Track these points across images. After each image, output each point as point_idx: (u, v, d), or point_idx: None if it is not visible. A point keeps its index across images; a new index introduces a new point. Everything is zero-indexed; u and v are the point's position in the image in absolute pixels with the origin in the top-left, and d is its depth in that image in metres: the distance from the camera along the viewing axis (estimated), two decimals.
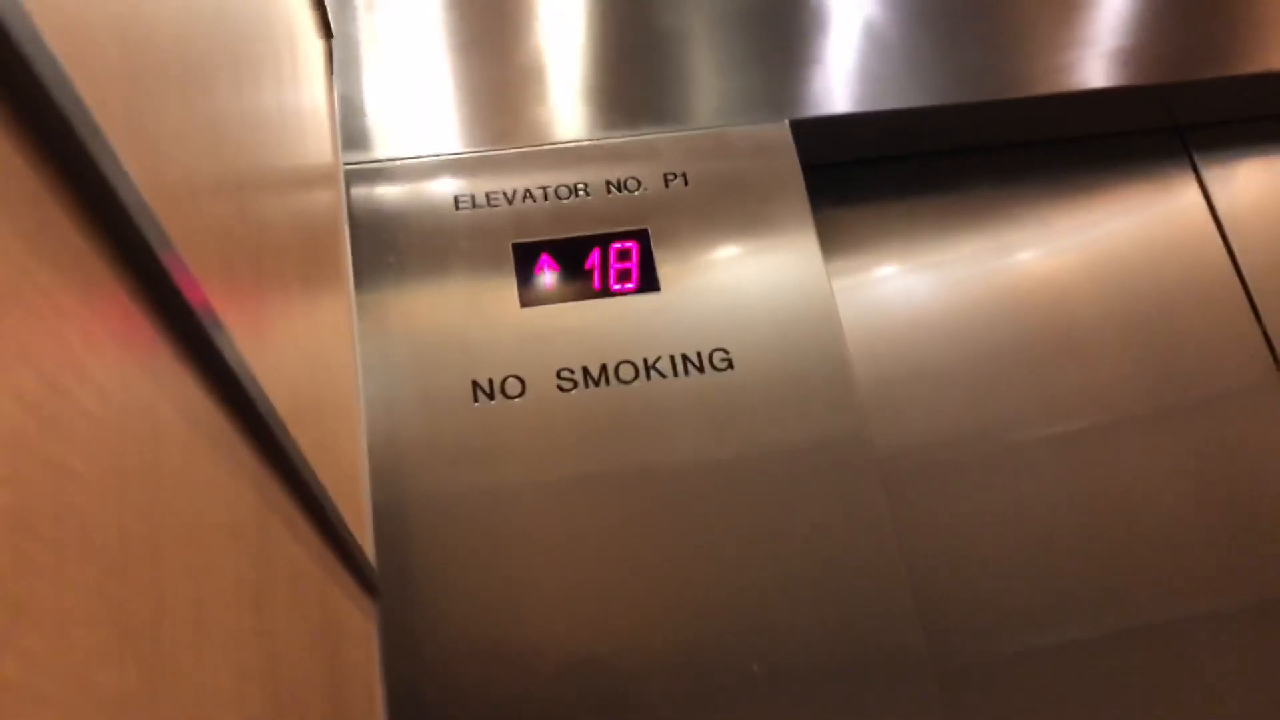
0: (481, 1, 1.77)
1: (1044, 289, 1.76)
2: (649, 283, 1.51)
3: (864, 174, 1.84)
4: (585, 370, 1.44)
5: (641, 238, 1.54)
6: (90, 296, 0.41)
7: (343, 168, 1.53)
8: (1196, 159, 1.89)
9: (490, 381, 1.43)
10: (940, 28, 1.82)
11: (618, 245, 1.54)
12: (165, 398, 0.49)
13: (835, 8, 1.83)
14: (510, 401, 1.42)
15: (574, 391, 1.43)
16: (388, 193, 1.56)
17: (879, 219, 1.81)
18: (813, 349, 1.48)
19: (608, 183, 1.59)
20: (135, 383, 0.45)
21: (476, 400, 1.41)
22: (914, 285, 1.77)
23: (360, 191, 1.55)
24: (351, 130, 1.60)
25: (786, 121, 1.67)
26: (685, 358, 1.46)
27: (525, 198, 1.57)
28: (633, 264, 1.53)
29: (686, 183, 1.60)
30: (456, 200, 1.56)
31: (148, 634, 0.43)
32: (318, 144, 1.28)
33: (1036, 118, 1.83)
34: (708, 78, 1.77)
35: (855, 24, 1.82)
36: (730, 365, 1.46)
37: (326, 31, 1.46)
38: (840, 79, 1.77)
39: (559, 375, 1.44)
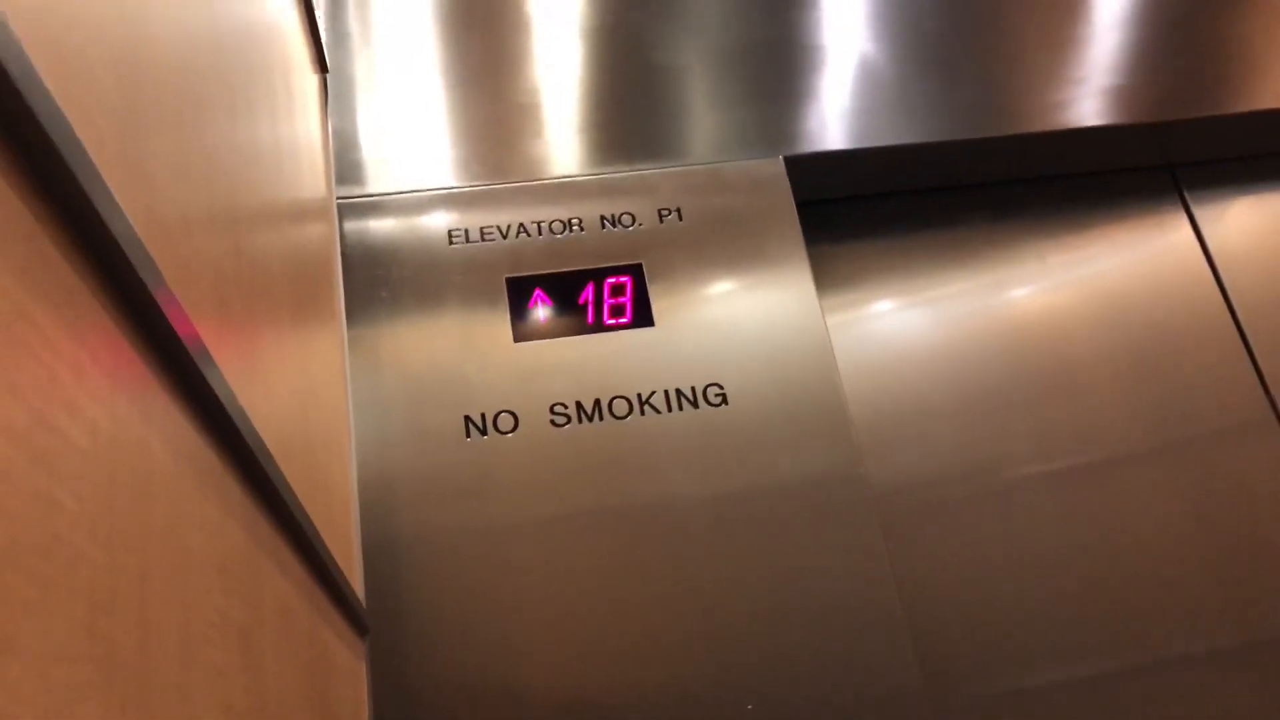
0: (477, 37, 1.78)
1: (1039, 326, 1.77)
2: (643, 318, 1.51)
3: (859, 210, 1.85)
4: (579, 405, 1.44)
5: (636, 272, 1.55)
6: (82, 331, 0.41)
7: (336, 202, 1.54)
8: (1188, 197, 1.90)
9: (483, 417, 1.42)
10: (934, 65, 1.83)
11: (612, 280, 1.54)
12: (155, 433, 0.49)
13: (830, 45, 1.85)
14: (503, 437, 1.41)
15: (567, 427, 1.42)
16: (381, 227, 1.57)
17: (874, 255, 1.81)
18: (807, 385, 1.48)
19: (602, 217, 1.60)
20: (126, 417, 0.45)
21: (469, 436, 1.41)
22: (909, 321, 1.77)
23: (353, 225, 1.56)
24: (345, 164, 1.61)
25: (781, 158, 1.68)
26: (679, 393, 1.45)
27: (519, 232, 1.57)
28: (627, 299, 1.53)
29: (681, 218, 1.61)
30: (450, 234, 1.57)
31: (133, 670, 0.42)
32: (311, 178, 1.28)
33: (1030, 155, 1.84)
34: (703, 114, 1.78)
35: (850, 61, 1.84)
36: (725, 401, 1.45)
37: (322, 66, 1.47)
38: (835, 116, 1.78)
39: (552, 411, 1.43)
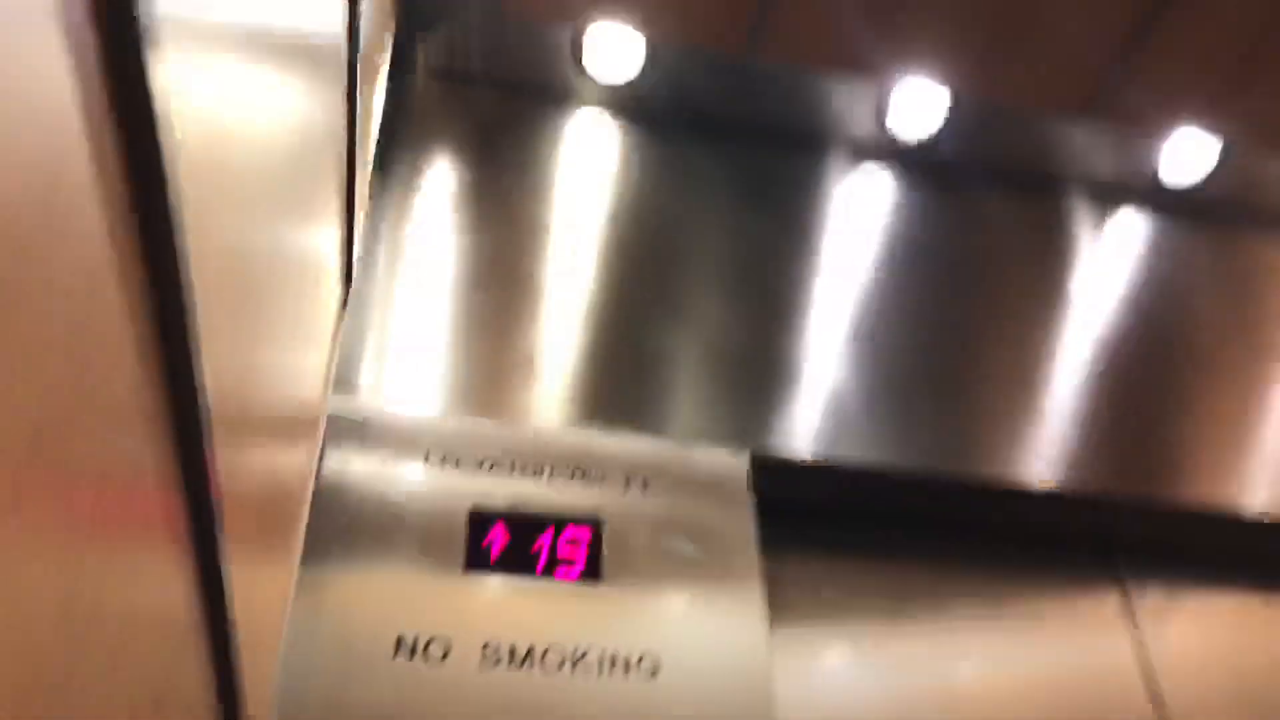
0: (495, 291, 1.91)
1: (971, 701, 1.80)
2: (593, 574, 1.55)
3: (817, 523, 1.91)
4: (512, 649, 1.45)
5: (594, 528, 1.60)
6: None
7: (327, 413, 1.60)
8: (1129, 584, 1.99)
9: (415, 639, 1.43)
10: (901, 398, 1.98)
11: (570, 531, 1.59)
12: None
13: (809, 362, 1.99)
14: (431, 665, 1.41)
15: (497, 669, 1.43)
16: (364, 439, 1.63)
17: (827, 573, 1.87)
18: (738, 688, 1.50)
19: (572, 471, 1.67)
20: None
21: (396, 656, 1.41)
22: (849, 658, 1.83)
23: (337, 432, 1.62)
24: (340, 377, 1.69)
25: (748, 453, 1.78)
26: (613, 658, 1.47)
27: (492, 469, 1.64)
28: (581, 552, 1.57)
29: (646, 486, 1.68)
30: (428, 455, 1.63)
31: None
32: (312, 391, 1.35)
33: (977, 502, 1.95)
34: (682, 397, 1.89)
35: (826, 380, 1.98)
36: (655, 675, 1.47)
37: (348, 278, 1.58)
38: (803, 426, 1.90)
39: (485, 648, 1.44)
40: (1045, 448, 2.00)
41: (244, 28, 0.65)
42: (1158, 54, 2.18)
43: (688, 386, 1.92)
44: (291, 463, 1.20)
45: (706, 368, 1.95)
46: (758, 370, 1.95)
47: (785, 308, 2.07)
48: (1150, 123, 2.32)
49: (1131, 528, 2.00)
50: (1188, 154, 2.41)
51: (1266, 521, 1.99)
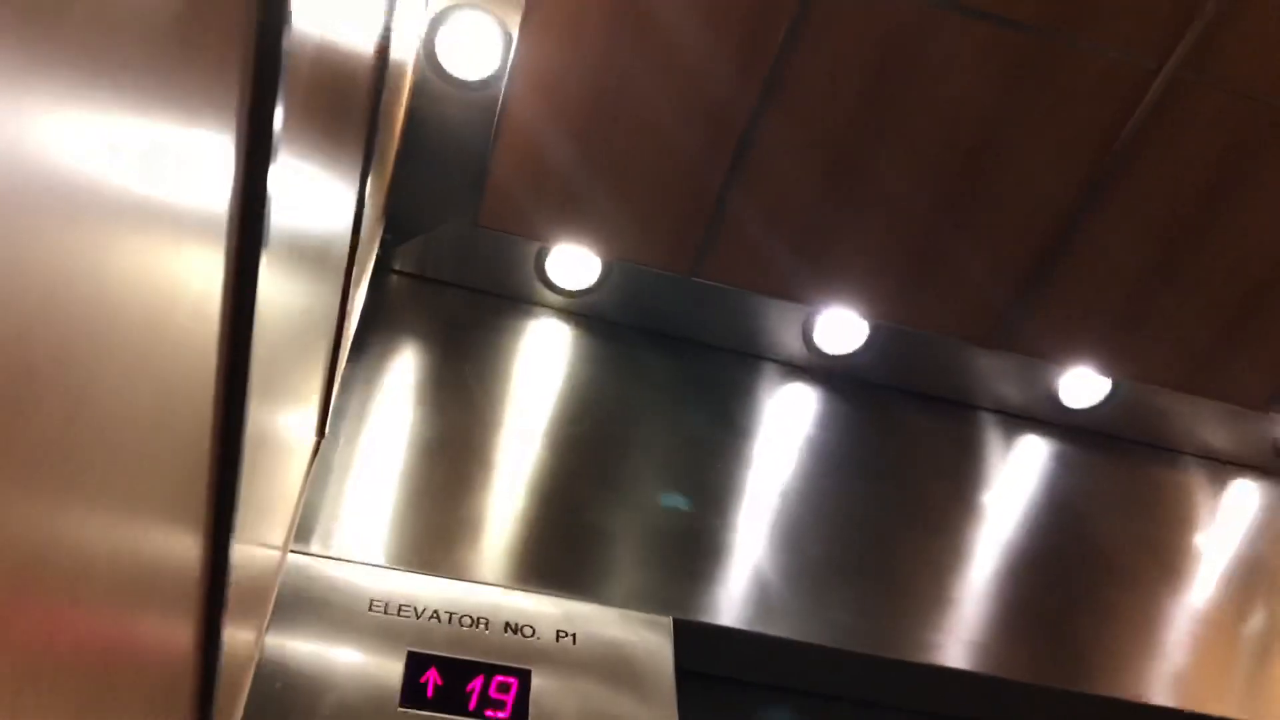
0: (447, 463, 2.08)
1: None
2: (520, 717, 1.64)
3: (732, 691, 2.03)
4: None
5: (523, 676, 1.70)
6: None
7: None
8: None
9: None
10: (822, 577, 2.12)
11: (500, 678, 1.69)
12: None
13: (737, 545, 2.15)
14: None
15: None
16: (314, 581, 1.75)
17: None
18: None
19: (506, 624, 1.79)
20: None
21: None
22: None
23: (289, 575, 1.74)
24: (300, 522, 1.83)
25: (671, 618, 1.91)
26: None
27: (432, 617, 1.75)
28: (509, 698, 1.67)
29: (575, 642, 1.79)
30: (371, 603, 1.74)
31: None
32: (280, 533, 1.49)
33: (896, 682, 2.06)
34: (615, 569, 2.03)
35: (751, 562, 2.13)
36: None
37: (321, 429, 1.75)
38: (728, 601, 2.04)
39: None
40: (959, 636, 2.13)
41: (302, 235, 0.85)
42: (1052, 297, 2.49)
43: (621, 558, 2.06)
44: (257, 609, 1.32)
45: (639, 543, 2.10)
46: (687, 550, 2.11)
47: (716, 497, 2.25)
48: (1049, 356, 2.61)
49: (1042, 713, 2.10)
50: (1084, 383, 2.70)
51: (1173, 708, 2.11)
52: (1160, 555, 2.53)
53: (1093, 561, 2.44)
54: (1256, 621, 2.48)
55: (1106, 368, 2.61)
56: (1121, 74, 2.15)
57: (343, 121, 1.05)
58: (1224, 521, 2.75)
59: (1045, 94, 2.18)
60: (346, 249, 1.44)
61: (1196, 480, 2.82)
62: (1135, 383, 2.67)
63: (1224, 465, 2.89)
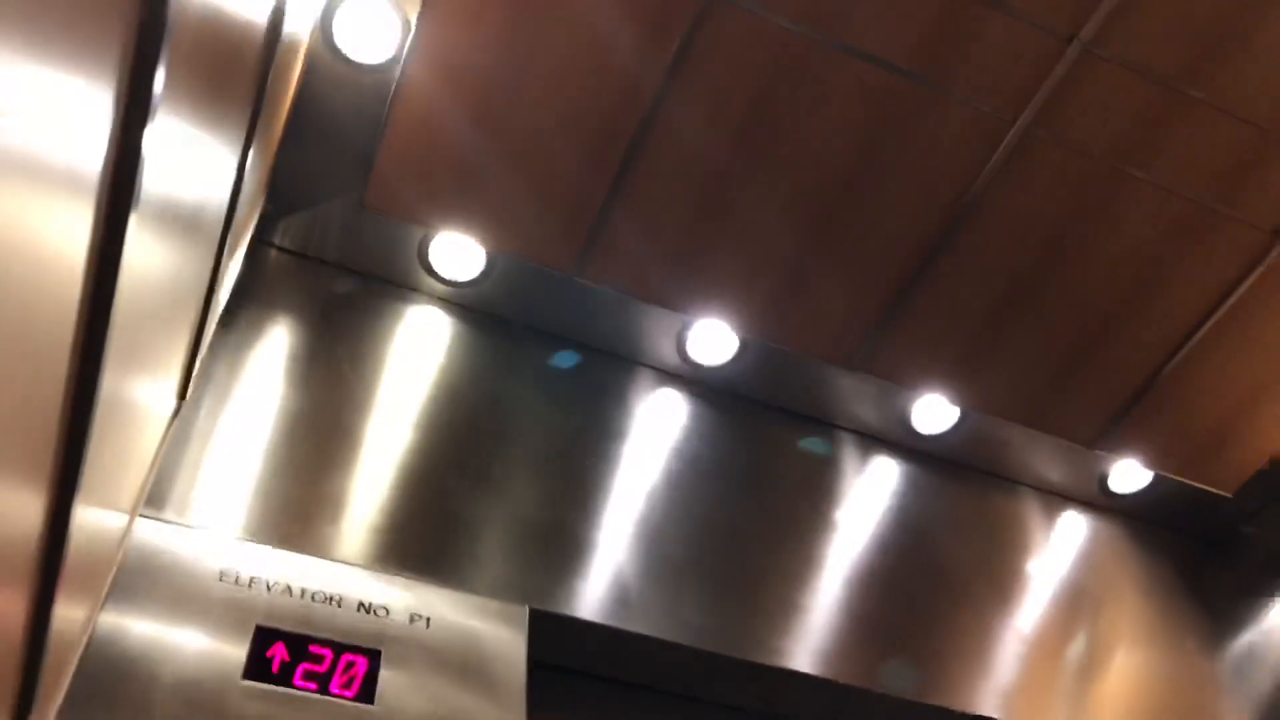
0: (312, 439, 2.08)
1: None
2: (367, 697, 1.66)
3: (583, 684, 2.08)
4: None
5: (373, 657, 1.72)
6: None
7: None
8: None
9: None
10: (679, 583, 2.19)
11: (349, 656, 1.70)
12: None
13: (598, 541, 2.21)
14: None
15: None
16: (163, 550, 1.73)
17: None
18: None
19: (360, 604, 1.80)
20: None
21: None
22: None
23: (137, 542, 1.72)
24: (156, 486, 1.81)
25: (527, 608, 1.95)
26: None
27: (284, 592, 1.76)
28: (358, 676, 1.68)
29: (428, 626, 1.82)
30: (221, 574, 1.74)
31: None
32: (130, 496, 1.48)
33: (746, 682, 2.14)
34: (476, 555, 2.06)
35: (612, 558, 2.19)
36: None
37: (183, 394, 1.74)
38: (585, 594, 2.09)
39: None
40: (807, 642, 2.23)
41: (176, 199, 0.87)
42: (908, 327, 2.62)
43: (482, 547, 2.09)
44: (96, 575, 1.31)
45: (502, 534, 2.13)
46: (549, 543, 2.15)
47: (582, 492, 2.31)
48: (903, 382, 2.74)
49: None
50: (935, 411, 2.84)
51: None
52: (995, 578, 2.69)
53: (933, 579, 2.58)
54: (1078, 644, 2.66)
55: (954, 397, 2.76)
56: (982, 122, 2.29)
57: (227, 90, 1.07)
58: (1053, 550, 2.93)
59: (913, 135, 2.30)
60: (222, 217, 1.44)
61: (1031, 510, 3.01)
62: (980, 413, 2.83)
63: (1056, 497, 3.09)
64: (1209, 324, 2.64)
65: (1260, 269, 2.54)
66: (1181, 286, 2.58)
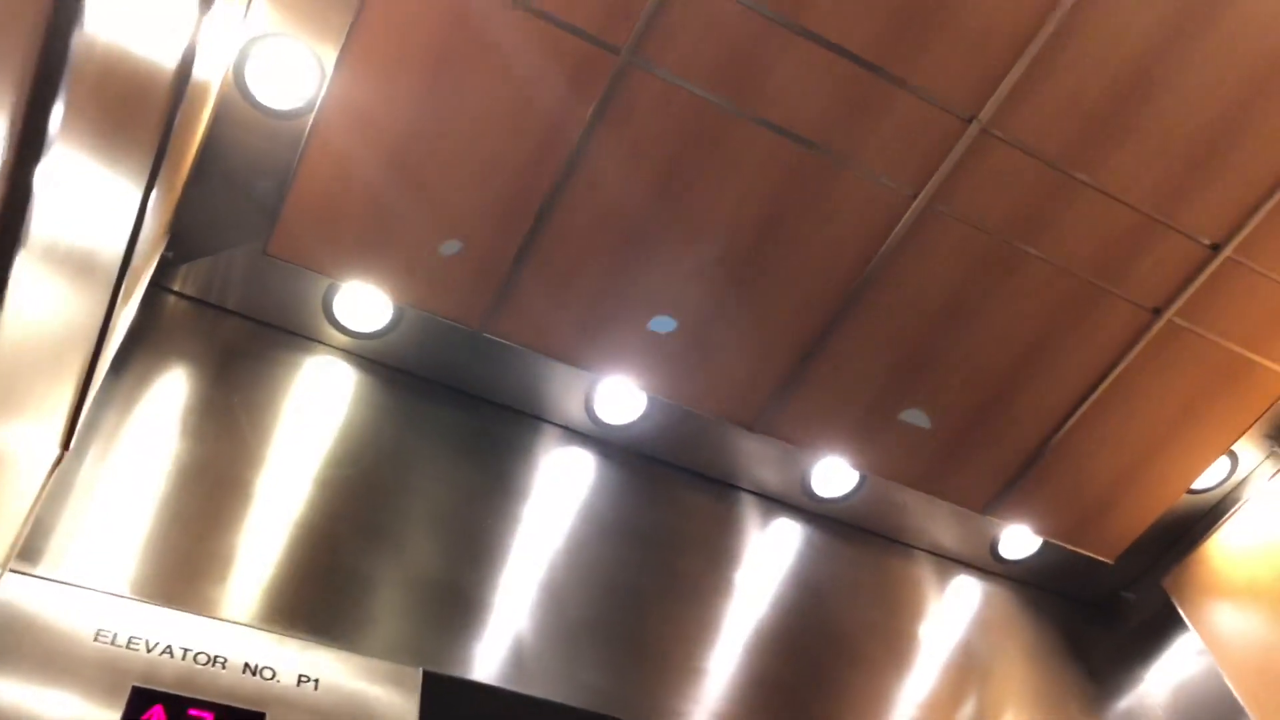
0: (203, 493, 2.02)
1: None
2: None
3: None
4: None
5: None
6: None
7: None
8: None
9: None
10: (575, 644, 2.17)
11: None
12: None
13: (496, 600, 2.17)
14: None
15: None
16: (36, 606, 1.64)
17: None
18: None
19: (246, 664, 1.73)
20: None
21: None
22: None
23: (5, 598, 1.63)
24: (31, 538, 1.72)
25: (420, 670, 1.90)
26: None
27: (164, 652, 1.68)
28: None
29: (316, 688, 1.76)
30: (98, 633, 1.66)
31: None
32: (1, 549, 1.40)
33: None
34: (369, 614, 2.01)
35: (509, 618, 2.16)
36: None
37: (66, 443, 1.66)
38: (482, 655, 2.05)
39: None
40: (705, 704, 2.22)
41: (69, 240, 0.84)
42: (808, 392, 2.67)
43: (376, 606, 2.04)
44: None
45: (397, 593, 2.09)
46: (446, 603, 2.11)
47: (481, 552, 2.27)
48: (803, 444, 2.78)
49: None
50: (834, 474, 2.89)
51: None
52: (889, 640, 2.72)
53: (830, 642, 2.60)
54: (969, 707, 2.70)
55: (852, 461, 2.82)
56: (884, 196, 2.37)
57: (131, 131, 1.05)
58: (946, 614, 2.99)
59: (818, 206, 2.37)
60: (119, 260, 1.40)
61: (925, 573, 3.07)
62: (878, 477, 2.89)
63: (949, 562, 3.16)
64: (1094, 396, 2.75)
65: (1140, 345, 2.66)
66: (1069, 359, 2.68)
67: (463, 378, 2.62)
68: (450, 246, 2.30)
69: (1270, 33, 2.22)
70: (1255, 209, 2.46)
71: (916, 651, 2.75)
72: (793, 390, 2.65)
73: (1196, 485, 3.04)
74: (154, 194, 1.42)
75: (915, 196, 2.37)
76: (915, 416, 2.45)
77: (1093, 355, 2.69)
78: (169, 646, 1.70)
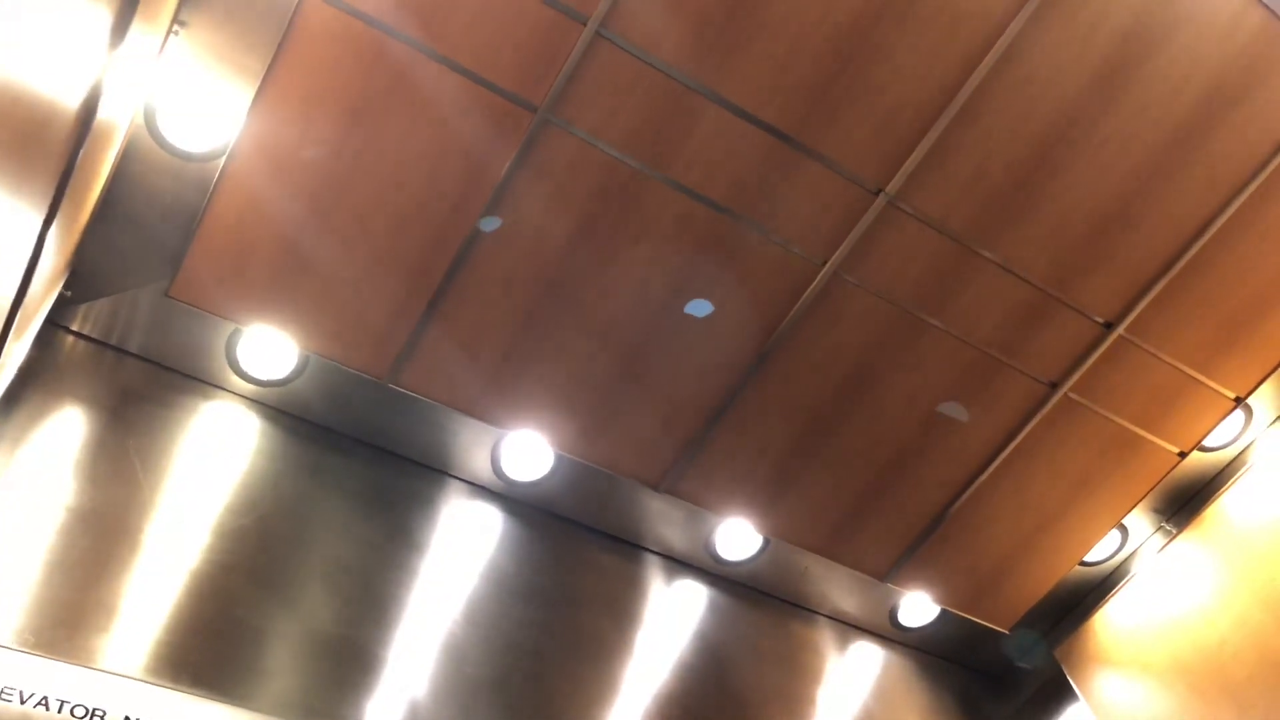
0: (92, 539, 1.95)
1: None
2: None
3: None
4: None
5: None
6: None
7: None
8: None
9: None
10: (473, 704, 2.13)
11: None
12: None
13: (394, 656, 2.13)
14: None
15: None
16: None
17: None
18: None
19: (127, 718, 1.67)
20: None
21: None
22: None
23: None
24: None
25: None
26: None
27: (41, 704, 1.61)
28: None
29: None
30: None
31: None
32: None
33: None
34: (262, 669, 1.95)
35: (407, 673, 2.11)
36: None
37: None
38: (377, 713, 2.00)
39: None
40: None
41: None
42: (712, 454, 2.70)
43: (270, 660, 1.98)
44: None
45: (292, 647, 2.03)
46: (341, 658, 2.06)
47: (381, 608, 2.23)
48: (707, 506, 2.80)
49: None
50: (738, 537, 2.92)
51: None
52: (789, 705, 2.73)
53: (730, 704, 2.60)
54: None
55: (755, 524, 2.84)
56: (792, 263, 2.44)
57: (30, 165, 1.03)
58: (846, 679, 3.01)
59: (726, 270, 2.42)
60: (12, 296, 1.37)
61: (826, 639, 3.09)
62: (781, 542, 2.92)
63: (850, 628, 3.19)
64: (992, 467, 2.82)
65: (1037, 418, 2.76)
66: (969, 430, 2.76)
67: (367, 429, 2.59)
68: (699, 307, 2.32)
69: (1162, 123, 2.36)
70: (1146, 289, 2.58)
71: (815, 717, 2.77)
72: (698, 452, 2.68)
73: (1088, 558, 3.13)
74: (52, 230, 1.39)
75: (823, 264, 2.44)
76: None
77: (991, 427, 2.77)
78: (45, 698, 1.63)
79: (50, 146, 1.09)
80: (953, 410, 2.56)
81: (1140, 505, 3.01)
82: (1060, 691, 3.20)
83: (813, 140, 2.28)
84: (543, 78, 2.14)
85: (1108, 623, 3.17)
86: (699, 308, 2.42)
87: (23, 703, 1.61)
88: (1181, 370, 2.73)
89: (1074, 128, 2.34)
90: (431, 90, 2.12)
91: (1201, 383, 2.76)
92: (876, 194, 2.36)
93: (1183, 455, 2.90)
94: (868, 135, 2.29)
